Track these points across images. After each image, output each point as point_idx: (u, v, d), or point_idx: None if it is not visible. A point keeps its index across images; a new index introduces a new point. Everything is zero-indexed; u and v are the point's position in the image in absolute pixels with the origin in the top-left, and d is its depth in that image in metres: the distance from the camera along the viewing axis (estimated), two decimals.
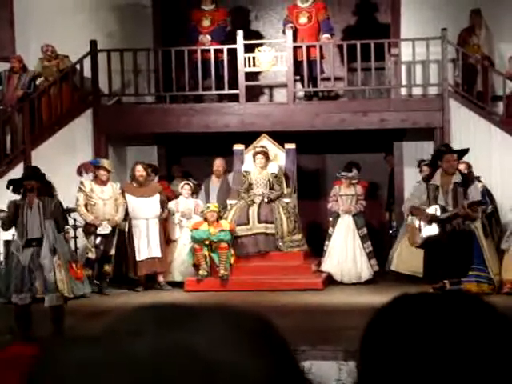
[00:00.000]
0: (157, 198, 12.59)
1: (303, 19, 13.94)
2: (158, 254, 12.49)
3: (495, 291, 11.10)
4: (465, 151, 10.30)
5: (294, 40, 13.74)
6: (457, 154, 10.01)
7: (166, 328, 0.93)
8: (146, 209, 12.47)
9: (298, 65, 13.79)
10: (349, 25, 15.24)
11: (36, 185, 9.10)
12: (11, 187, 9.33)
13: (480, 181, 11.87)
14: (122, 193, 12.54)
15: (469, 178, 10.32)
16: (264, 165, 12.85)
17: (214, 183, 13.58)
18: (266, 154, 12.91)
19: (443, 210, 9.67)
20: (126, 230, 12.42)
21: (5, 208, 10.16)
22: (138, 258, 12.39)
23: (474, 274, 10.72)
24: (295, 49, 13.72)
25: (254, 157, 12.92)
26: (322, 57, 13.81)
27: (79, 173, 12.44)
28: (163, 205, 12.65)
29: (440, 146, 10.85)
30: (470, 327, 1.11)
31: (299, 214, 12.94)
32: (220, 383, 0.89)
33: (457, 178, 9.77)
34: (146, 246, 12.44)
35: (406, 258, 11.98)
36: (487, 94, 13.49)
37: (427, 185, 9.89)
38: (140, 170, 12.64)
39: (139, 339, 0.92)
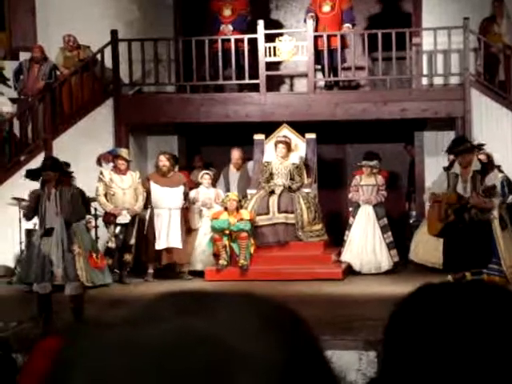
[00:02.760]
0: (181, 189, 12.59)
1: (326, 8, 13.88)
2: (177, 244, 12.48)
3: (507, 284, 11.02)
4: (479, 146, 10.34)
5: (316, 28, 13.72)
6: (471, 150, 10.01)
7: (187, 315, 0.92)
8: (169, 199, 12.47)
9: (319, 54, 13.76)
10: (372, 13, 15.18)
11: (54, 175, 9.13)
12: (28, 176, 9.41)
13: (501, 170, 11.82)
14: (147, 181, 12.57)
15: (488, 167, 10.31)
16: (285, 155, 12.82)
17: (233, 172, 13.58)
18: (287, 144, 12.88)
19: (461, 197, 9.68)
20: (147, 218, 12.44)
21: (26, 197, 10.24)
22: (156, 247, 12.40)
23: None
24: (316, 38, 13.68)
25: (275, 146, 12.90)
26: (345, 46, 13.76)
27: (99, 163, 12.48)
28: (186, 196, 12.67)
29: (457, 139, 10.72)
30: (495, 317, 1.10)
31: (319, 204, 12.92)
32: (239, 373, 0.88)
33: (476, 166, 9.78)
34: (166, 236, 12.44)
35: (422, 248, 11.96)
36: (509, 84, 13.41)
37: (448, 173, 9.91)
38: (163, 160, 12.64)
39: (158, 325, 0.91)
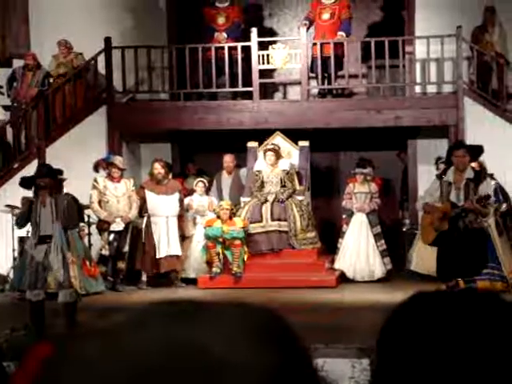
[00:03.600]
0: (177, 196, 12.58)
1: (326, 15, 13.90)
2: (177, 252, 12.47)
3: (509, 289, 11.05)
4: (477, 148, 10.32)
5: (315, 36, 13.76)
6: (467, 150, 10.02)
7: (173, 322, 0.92)
8: (166, 206, 12.45)
9: (314, 62, 13.79)
10: (367, 22, 15.18)
11: (49, 182, 9.10)
12: (22, 184, 9.37)
13: (493, 178, 11.84)
14: (142, 189, 12.54)
15: (481, 175, 10.34)
16: (274, 162, 12.82)
17: (226, 178, 13.58)
18: (276, 152, 12.88)
19: (454, 206, 9.69)
20: (143, 226, 12.40)
21: (18, 205, 10.19)
22: (157, 256, 12.37)
23: (487, 271, 10.69)
24: (313, 45, 13.73)
25: (264, 154, 12.92)
26: (342, 54, 13.76)
27: (96, 170, 12.43)
28: (181, 203, 12.67)
29: (454, 142, 10.90)
30: (488, 325, 1.10)
31: (313, 212, 12.92)
32: (225, 379, 0.88)
33: (469, 174, 9.81)
34: (166, 244, 12.42)
35: (425, 257, 11.94)
36: (502, 92, 13.44)
37: (441, 181, 9.93)
38: (157, 168, 12.61)
39: (142, 331, 0.91)
